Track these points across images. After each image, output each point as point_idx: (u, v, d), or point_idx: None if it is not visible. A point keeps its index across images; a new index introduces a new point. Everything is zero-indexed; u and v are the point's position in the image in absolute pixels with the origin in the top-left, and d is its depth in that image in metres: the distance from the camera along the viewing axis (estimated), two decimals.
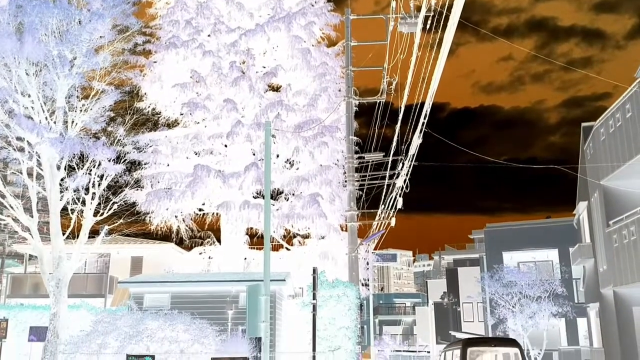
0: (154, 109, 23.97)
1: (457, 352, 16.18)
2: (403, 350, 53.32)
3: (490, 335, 27.54)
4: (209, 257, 23.90)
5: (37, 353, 20.02)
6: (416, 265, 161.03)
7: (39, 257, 19.86)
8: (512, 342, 16.32)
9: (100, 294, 28.30)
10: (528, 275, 22.46)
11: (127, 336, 11.53)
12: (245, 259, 23.73)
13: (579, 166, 21.46)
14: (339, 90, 23.86)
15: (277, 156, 22.99)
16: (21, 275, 31.05)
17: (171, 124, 24.33)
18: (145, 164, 22.86)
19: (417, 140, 17.42)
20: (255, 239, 24.22)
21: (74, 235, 19.96)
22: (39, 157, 19.25)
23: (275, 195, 23.15)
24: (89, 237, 20.20)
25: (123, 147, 21.68)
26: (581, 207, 22.11)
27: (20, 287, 29.47)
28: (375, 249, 28.14)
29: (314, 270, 14.08)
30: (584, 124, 20.93)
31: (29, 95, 18.95)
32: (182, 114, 23.55)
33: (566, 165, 18.56)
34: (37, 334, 21.26)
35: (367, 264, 25.81)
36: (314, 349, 13.04)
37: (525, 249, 28.22)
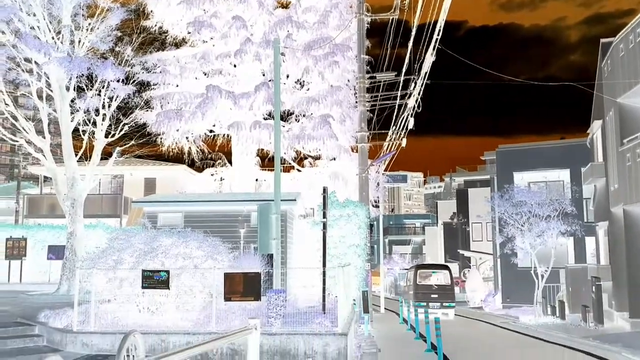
0: (160, 27, 23.44)
1: (413, 272, 25.92)
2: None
3: (498, 254, 28.44)
4: (221, 179, 24.10)
5: (56, 270, 20.75)
6: (427, 187, 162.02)
7: (53, 178, 20.18)
8: (445, 267, 27.21)
9: (116, 214, 28.89)
10: (538, 195, 22.50)
11: (142, 253, 11.79)
12: (256, 180, 23.90)
13: (595, 83, 20.97)
14: (350, 7, 23.11)
15: (287, 76, 22.63)
16: (37, 196, 31.65)
17: (179, 44, 23.88)
18: (154, 84, 22.65)
19: (430, 58, 17.04)
20: (267, 161, 24.31)
21: (86, 156, 20.15)
22: (48, 78, 19.14)
23: (286, 116, 23.00)
24: (101, 159, 20.39)
25: (131, 67, 21.45)
26: (595, 126, 21.81)
27: (37, 208, 30.11)
28: (385, 170, 28.21)
29: (324, 190, 14.14)
30: (603, 40, 20.25)
31: (34, 15, 18.60)
32: (189, 33, 23.04)
33: (583, 82, 18.12)
34: (56, 252, 21.94)
35: (378, 184, 25.93)
36: (324, 265, 13.31)
37: (536, 169, 28.13)
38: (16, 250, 22.69)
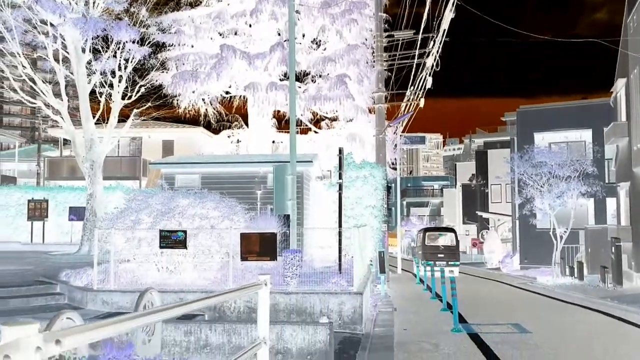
0: None
1: (422, 234, 28.81)
2: None
3: (517, 215, 28.33)
4: (237, 141, 24.10)
5: (78, 231, 21.10)
6: (445, 149, 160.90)
7: (71, 140, 20.33)
8: (451, 230, 30.06)
9: (134, 177, 29.16)
10: (559, 155, 22.14)
11: (160, 213, 11.88)
12: (273, 142, 23.86)
13: (620, 39, 20.34)
14: None
15: (303, 36, 22.29)
16: (57, 158, 32.00)
17: (193, 3, 23.59)
18: (169, 45, 22.49)
19: (449, 15, 16.64)
20: (283, 123, 24.22)
21: (104, 119, 20.23)
22: (64, 40, 19.10)
23: (302, 77, 22.76)
24: (119, 122, 20.46)
25: (146, 28, 21.29)
26: (619, 84, 21.25)
27: (58, 170, 30.48)
28: (403, 131, 27.96)
29: (340, 151, 14.07)
30: None
31: None
32: None
33: (607, 39, 17.59)
34: (77, 213, 22.27)
35: (395, 146, 25.74)
36: (340, 225, 13.32)
37: (557, 129, 27.63)
38: (38, 211, 23.07)
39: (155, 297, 7.77)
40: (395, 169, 27.79)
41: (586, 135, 27.32)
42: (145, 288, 7.78)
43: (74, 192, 24.82)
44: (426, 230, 29.94)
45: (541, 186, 21.77)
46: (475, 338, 9.95)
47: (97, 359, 3.43)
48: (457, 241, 27.77)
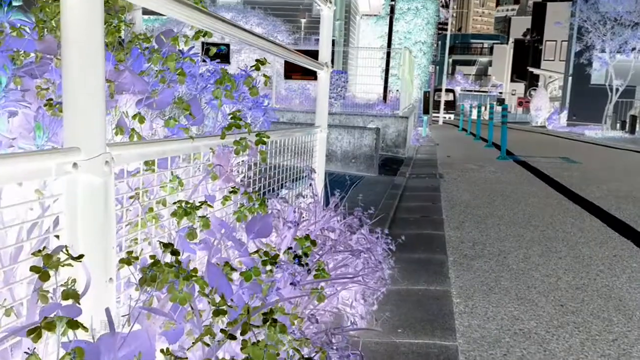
0: None
1: (431, 92, 33.09)
2: (474, 91, 52.86)
3: (570, 71, 27.08)
4: None
5: None
6: (499, 9, 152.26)
7: None
8: (452, 90, 40.03)
9: None
10: (628, 1, 20.38)
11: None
12: None
13: None
14: None
15: None
16: None
17: None
18: None
19: None
20: None
21: None
22: None
23: None
24: None
25: None
26: None
27: None
28: None
29: None
30: None
31: None
32: None
33: None
34: None
35: None
36: (389, 46, 12.74)
37: None
38: None
39: None
40: (446, 6, 26.25)
41: None
42: None
43: None
44: (435, 89, 37.52)
45: (604, 34, 20.33)
46: (522, 163, 9.70)
47: None
48: (455, 98, 39.53)
